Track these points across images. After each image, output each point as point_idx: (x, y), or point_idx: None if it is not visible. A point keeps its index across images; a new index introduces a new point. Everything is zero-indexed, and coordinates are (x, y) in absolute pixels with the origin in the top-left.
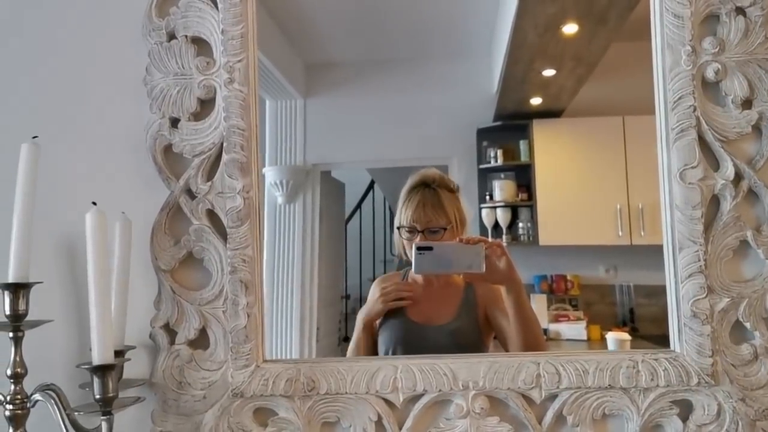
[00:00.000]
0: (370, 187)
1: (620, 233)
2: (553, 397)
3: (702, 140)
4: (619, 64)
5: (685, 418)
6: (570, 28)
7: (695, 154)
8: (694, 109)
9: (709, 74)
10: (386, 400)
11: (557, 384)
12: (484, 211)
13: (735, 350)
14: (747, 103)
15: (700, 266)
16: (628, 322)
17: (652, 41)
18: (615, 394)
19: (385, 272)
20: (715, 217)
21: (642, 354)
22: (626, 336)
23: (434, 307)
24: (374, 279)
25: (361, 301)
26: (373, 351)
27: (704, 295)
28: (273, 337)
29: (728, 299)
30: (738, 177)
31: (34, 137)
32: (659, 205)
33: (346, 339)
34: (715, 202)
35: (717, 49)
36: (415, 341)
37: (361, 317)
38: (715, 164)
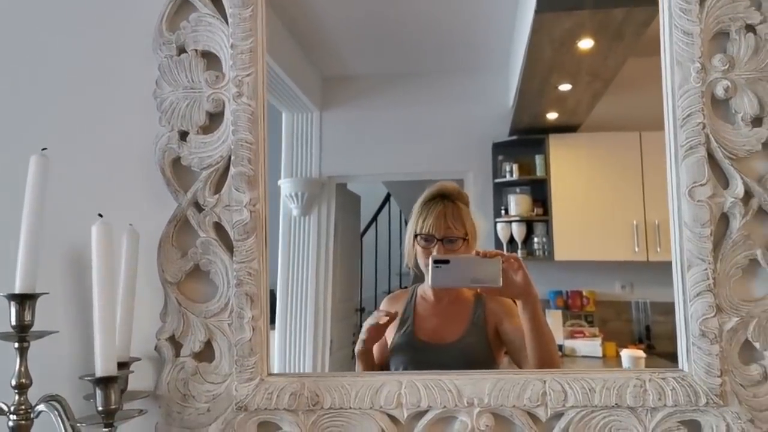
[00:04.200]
0: (386, 200)
1: (636, 249)
2: (559, 416)
3: (711, 157)
4: (635, 79)
5: None
6: (586, 43)
7: (704, 171)
8: (704, 127)
9: (719, 91)
10: (390, 416)
11: (563, 402)
12: (499, 226)
13: (744, 371)
14: (757, 121)
15: (709, 285)
16: (644, 339)
17: (661, 57)
18: (622, 413)
19: (400, 285)
20: (725, 235)
21: (650, 373)
22: (641, 354)
23: (443, 324)
24: (389, 292)
25: None
26: None
27: (713, 314)
28: (286, 349)
29: (737, 319)
30: (748, 195)
31: (43, 149)
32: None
33: None
34: (724, 220)
35: (727, 67)
36: (424, 360)
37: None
38: (724, 182)
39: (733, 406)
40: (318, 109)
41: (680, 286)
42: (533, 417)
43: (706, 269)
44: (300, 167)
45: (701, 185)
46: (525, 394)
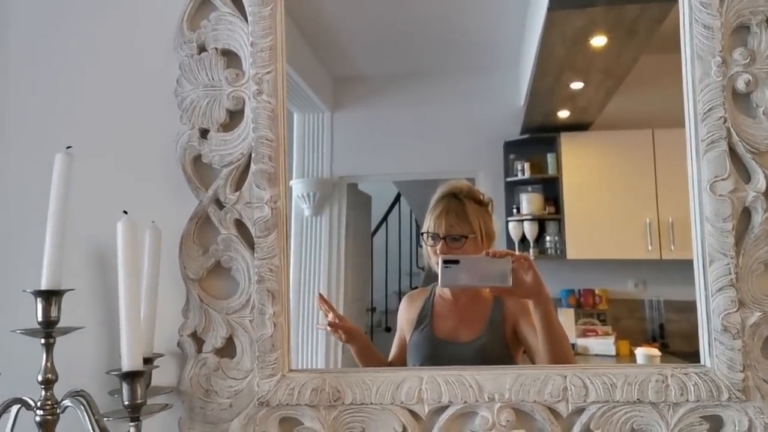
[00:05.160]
0: (397, 199)
1: (650, 247)
2: (580, 411)
3: (733, 152)
4: (648, 77)
5: None
6: (598, 41)
7: (726, 165)
8: (725, 121)
9: (740, 85)
10: (411, 412)
11: (584, 397)
12: (511, 225)
13: (767, 365)
14: None
15: (731, 279)
16: (658, 338)
17: (681, 52)
18: (644, 408)
19: (411, 285)
20: (747, 229)
21: (671, 368)
22: (656, 352)
23: (461, 323)
24: (400, 292)
25: (387, 314)
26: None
27: (735, 309)
28: (299, 347)
29: (760, 313)
30: None
31: (68, 147)
32: (689, 218)
33: None
34: (746, 214)
35: (747, 60)
36: (441, 358)
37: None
38: (746, 176)
39: (755, 401)
40: (329, 109)
41: (702, 281)
42: (554, 412)
43: (728, 264)
44: (311, 167)
45: (723, 180)
46: (546, 389)
